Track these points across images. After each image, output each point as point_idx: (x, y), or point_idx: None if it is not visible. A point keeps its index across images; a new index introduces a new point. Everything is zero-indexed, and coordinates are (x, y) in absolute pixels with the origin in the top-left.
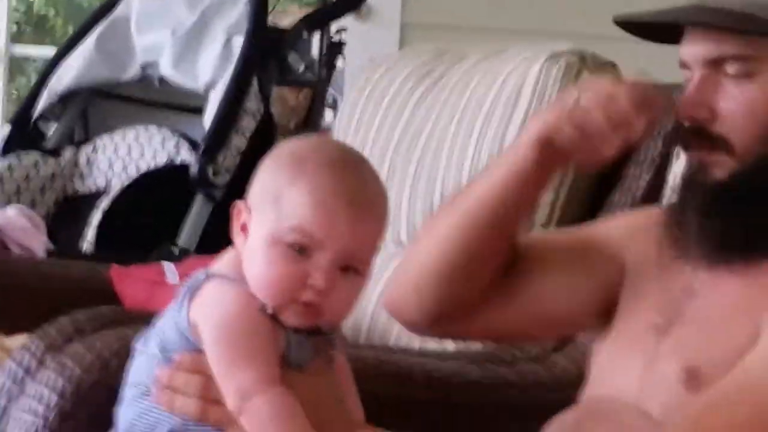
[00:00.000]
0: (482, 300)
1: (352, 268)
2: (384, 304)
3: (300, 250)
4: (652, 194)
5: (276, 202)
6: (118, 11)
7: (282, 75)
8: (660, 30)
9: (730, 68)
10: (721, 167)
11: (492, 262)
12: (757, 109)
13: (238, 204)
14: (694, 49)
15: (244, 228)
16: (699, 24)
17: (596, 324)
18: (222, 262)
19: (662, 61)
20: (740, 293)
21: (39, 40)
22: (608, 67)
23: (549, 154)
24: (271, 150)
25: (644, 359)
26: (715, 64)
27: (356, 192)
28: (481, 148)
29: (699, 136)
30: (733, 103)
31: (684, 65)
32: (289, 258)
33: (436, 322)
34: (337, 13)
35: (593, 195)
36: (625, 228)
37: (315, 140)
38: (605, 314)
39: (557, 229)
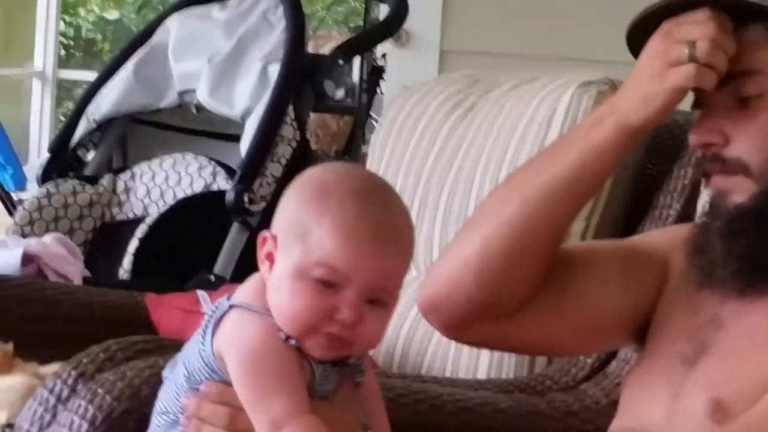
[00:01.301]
0: (525, 301)
1: (379, 301)
2: (421, 301)
3: (327, 284)
4: (682, 223)
5: (302, 236)
6: (157, 38)
7: (318, 102)
8: None
9: (739, 89)
10: (741, 190)
11: (544, 254)
12: None
13: (264, 233)
14: None
15: (269, 257)
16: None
17: (630, 341)
18: (245, 289)
19: None
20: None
21: (87, 65)
22: None
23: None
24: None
25: (671, 390)
26: (724, 85)
27: (382, 225)
28: None
29: (714, 162)
30: (744, 125)
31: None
32: (316, 292)
33: (477, 317)
34: (374, 41)
35: (624, 224)
36: (668, 241)
37: (339, 169)
38: (641, 330)
39: (599, 239)
